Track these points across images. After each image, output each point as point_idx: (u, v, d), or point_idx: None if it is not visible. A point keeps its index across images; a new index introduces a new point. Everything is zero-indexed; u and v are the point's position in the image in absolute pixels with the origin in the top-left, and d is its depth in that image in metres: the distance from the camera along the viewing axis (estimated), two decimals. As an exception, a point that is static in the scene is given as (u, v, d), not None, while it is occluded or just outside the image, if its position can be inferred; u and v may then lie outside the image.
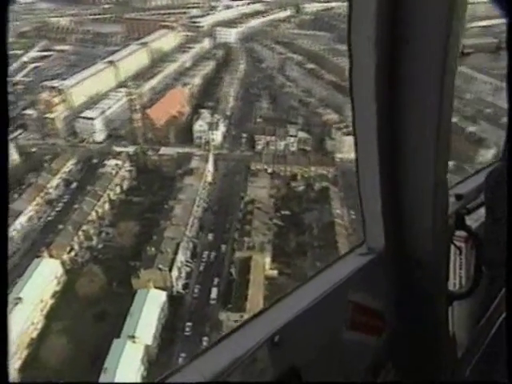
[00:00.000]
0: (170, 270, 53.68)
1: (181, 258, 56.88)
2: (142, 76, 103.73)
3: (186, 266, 58.05)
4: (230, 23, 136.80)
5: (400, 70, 2.52)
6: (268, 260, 56.72)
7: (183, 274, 56.94)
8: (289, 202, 69.37)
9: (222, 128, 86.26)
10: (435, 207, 2.88)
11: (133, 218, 64.76)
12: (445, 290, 3.32)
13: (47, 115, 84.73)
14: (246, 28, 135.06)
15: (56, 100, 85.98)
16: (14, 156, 77.70)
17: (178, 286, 55.91)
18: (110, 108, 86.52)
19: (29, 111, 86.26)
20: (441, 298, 3.26)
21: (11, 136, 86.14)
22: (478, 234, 3.31)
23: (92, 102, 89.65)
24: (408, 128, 2.70)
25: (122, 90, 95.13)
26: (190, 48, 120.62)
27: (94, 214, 64.76)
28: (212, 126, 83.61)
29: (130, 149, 77.86)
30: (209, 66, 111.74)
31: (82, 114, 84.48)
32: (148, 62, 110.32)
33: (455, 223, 3.33)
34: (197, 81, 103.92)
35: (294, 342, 2.53)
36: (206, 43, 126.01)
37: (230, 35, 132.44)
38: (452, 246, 3.41)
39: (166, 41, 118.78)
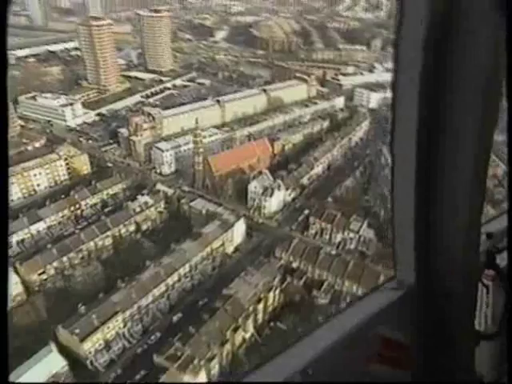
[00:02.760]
0: (82, 340, 45.11)
1: (110, 330, 47.76)
2: (243, 121, 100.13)
3: (115, 341, 48.44)
4: (377, 86, 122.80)
5: (441, 119, 2.64)
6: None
7: (105, 349, 47.51)
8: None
9: (281, 197, 74.13)
10: (467, 245, 2.93)
11: (117, 261, 59.17)
12: (472, 329, 3.28)
13: (132, 137, 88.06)
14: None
15: (145, 125, 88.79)
16: (84, 166, 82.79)
17: (97, 362, 46.82)
18: (187, 144, 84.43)
19: (122, 130, 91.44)
20: (468, 337, 3.23)
21: (108, 147, 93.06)
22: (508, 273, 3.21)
23: (179, 135, 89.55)
24: (445, 170, 2.77)
25: (215, 130, 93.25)
26: (314, 103, 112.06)
27: (90, 244, 61.58)
28: (266, 192, 72.46)
29: (171, 190, 73.10)
30: (321, 126, 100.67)
31: (157, 144, 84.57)
32: (260, 108, 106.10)
33: (485, 262, 3.33)
34: (296, 138, 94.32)
35: (325, 374, 2.66)
36: (338, 102, 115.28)
37: (369, 99, 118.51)
38: (480, 285, 3.38)
39: (290, 91, 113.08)
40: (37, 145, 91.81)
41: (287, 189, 76.31)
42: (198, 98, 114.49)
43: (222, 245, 62.69)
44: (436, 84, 2.53)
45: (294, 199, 77.43)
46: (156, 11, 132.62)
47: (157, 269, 53.78)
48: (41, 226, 66.21)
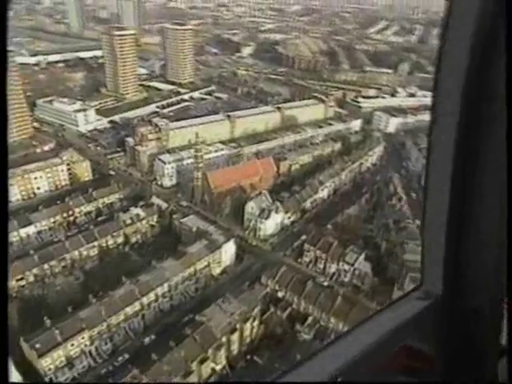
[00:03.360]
0: (41, 356, 43.12)
1: (75, 347, 45.60)
2: (252, 138, 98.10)
3: (80, 359, 46.19)
4: (397, 111, 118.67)
5: (478, 135, 2.75)
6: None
7: (67, 366, 45.26)
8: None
9: (278, 219, 70.98)
10: (495, 262, 2.97)
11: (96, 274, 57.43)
12: (496, 344, 3.24)
13: (137, 147, 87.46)
14: (414, 120, 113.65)
15: (151, 136, 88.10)
16: (86, 172, 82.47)
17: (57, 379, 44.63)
18: (192, 158, 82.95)
19: (129, 139, 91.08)
20: (492, 352, 3.22)
21: (115, 155, 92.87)
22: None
23: (184, 148, 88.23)
24: (480, 187, 2.86)
25: (221, 145, 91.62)
26: (329, 124, 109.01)
27: (74, 253, 60.21)
28: (263, 213, 69.54)
29: (165, 204, 71.27)
30: (332, 148, 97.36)
31: (160, 156, 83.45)
32: (271, 126, 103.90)
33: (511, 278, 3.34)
34: (304, 159, 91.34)
35: (352, 382, 2.72)
36: (355, 125, 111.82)
37: (388, 123, 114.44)
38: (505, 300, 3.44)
39: (306, 111, 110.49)
40: (46, 148, 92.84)
41: (287, 212, 73.18)
42: (214, 111, 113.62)
43: (208, 266, 59.98)
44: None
45: (293, 223, 74.10)
46: (180, 24, 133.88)
47: (132, 286, 51.48)
48: (31, 229, 65.59)
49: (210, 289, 59.33)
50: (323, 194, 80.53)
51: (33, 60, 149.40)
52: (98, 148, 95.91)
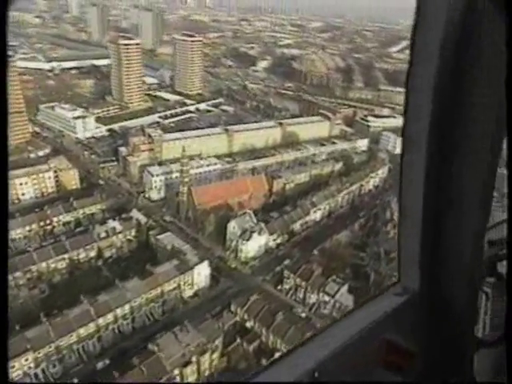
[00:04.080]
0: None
1: (17, 369, 42.50)
2: (249, 153, 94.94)
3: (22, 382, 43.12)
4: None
5: (454, 126, 2.75)
6: None
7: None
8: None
9: (262, 241, 67.05)
10: (473, 253, 3.01)
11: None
12: (473, 337, 3.30)
13: (128, 157, 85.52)
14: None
15: (143, 147, 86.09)
16: (73, 180, 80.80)
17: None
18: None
19: (123, 148, 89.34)
20: (469, 344, 3.25)
21: (107, 164, 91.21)
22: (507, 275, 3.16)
23: (176, 161, 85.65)
24: (455, 178, 2.85)
25: (214, 159, 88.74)
26: (333, 143, 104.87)
27: (42, 265, 57.79)
28: (245, 234, 65.74)
29: (144, 219, 68.35)
30: (332, 168, 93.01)
31: (149, 168, 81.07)
32: (271, 142, 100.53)
33: (487, 269, 3.40)
34: (300, 178, 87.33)
35: (331, 376, 2.69)
36: (361, 144, 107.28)
37: (396, 144, 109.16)
38: (480, 292, 3.43)
39: (309, 128, 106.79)
40: (40, 153, 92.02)
41: (272, 233, 69.13)
42: (216, 124, 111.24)
43: (178, 288, 56.43)
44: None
45: (278, 246, 69.90)
46: (189, 36, 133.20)
47: (87, 306, 48.34)
48: (4, 237, 63.57)
49: (178, 312, 55.64)
50: (315, 216, 76.16)
51: (47, 66, 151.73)
52: (93, 156, 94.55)
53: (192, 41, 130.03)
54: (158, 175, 79.37)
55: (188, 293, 58.09)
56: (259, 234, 66.17)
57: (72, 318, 47.40)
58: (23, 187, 76.06)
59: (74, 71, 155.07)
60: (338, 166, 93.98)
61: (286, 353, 2.78)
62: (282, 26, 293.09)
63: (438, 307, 3.20)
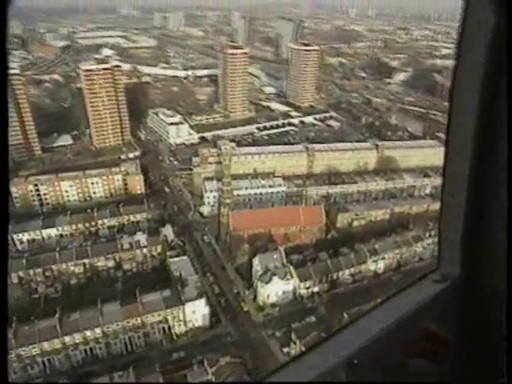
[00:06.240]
0: None
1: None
2: (327, 177, 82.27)
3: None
4: None
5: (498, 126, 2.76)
6: None
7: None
8: None
9: (289, 287, 55.55)
10: None
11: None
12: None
13: (195, 168, 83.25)
14: None
15: (210, 159, 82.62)
16: (138, 185, 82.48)
17: None
18: (246, 189, 74.39)
19: (196, 158, 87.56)
20: (505, 337, 3.06)
21: (183, 172, 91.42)
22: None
23: (243, 177, 79.91)
24: (497, 169, 2.82)
25: (280, 180, 79.47)
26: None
27: (62, 266, 59.03)
28: (264, 275, 55.20)
29: (172, 236, 64.00)
30: (426, 207, 73.46)
31: (206, 182, 76.82)
32: (360, 166, 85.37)
33: None
34: (375, 214, 71.04)
35: (367, 364, 2.69)
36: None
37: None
38: None
39: (415, 153, 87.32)
40: (130, 155, 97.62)
41: (305, 279, 56.82)
42: (313, 140, 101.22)
43: (165, 322, 50.16)
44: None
45: (310, 296, 57.06)
46: (305, 45, 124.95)
47: (55, 322, 46.15)
48: (53, 232, 67.83)
49: (158, 349, 49.32)
50: (371, 267, 60.09)
51: (183, 73, 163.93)
52: (175, 162, 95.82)
53: (306, 50, 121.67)
54: (211, 191, 74.57)
55: (177, 329, 51.25)
56: (282, 277, 54.83)
57: (38, 330, 45.81)
58: (94, 186, 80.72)
59: (205, 79, 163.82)
60: (436, 205, 73.32)
61: (324, 339, 2.70)
62: (447, 34, 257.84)
63: (477, 296, 3.11)
